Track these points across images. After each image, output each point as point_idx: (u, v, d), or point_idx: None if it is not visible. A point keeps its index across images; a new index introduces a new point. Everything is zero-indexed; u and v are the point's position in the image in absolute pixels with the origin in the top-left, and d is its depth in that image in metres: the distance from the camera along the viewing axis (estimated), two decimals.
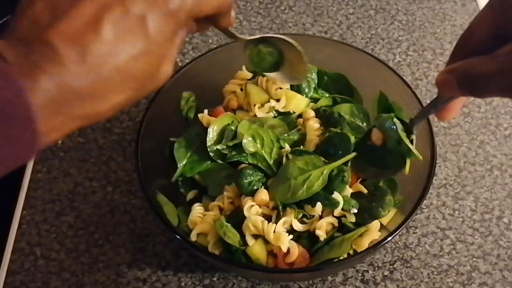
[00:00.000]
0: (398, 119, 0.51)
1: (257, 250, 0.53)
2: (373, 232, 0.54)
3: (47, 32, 0.32)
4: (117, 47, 0.33)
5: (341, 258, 0.52)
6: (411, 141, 0.50)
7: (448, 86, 0.39)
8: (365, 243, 0.53)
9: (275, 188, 0.54)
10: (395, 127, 0.51)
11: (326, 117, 0.60)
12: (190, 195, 0.59)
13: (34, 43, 0.32)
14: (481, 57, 0.37)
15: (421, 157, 0.51)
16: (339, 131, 0.58)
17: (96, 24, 0.33)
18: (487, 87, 0.36)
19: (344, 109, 0.61)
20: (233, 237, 0.53)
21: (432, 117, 0.70)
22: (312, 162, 0.54)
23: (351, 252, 0.53)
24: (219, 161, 0.58)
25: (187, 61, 0.75)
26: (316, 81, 0.65)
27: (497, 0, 0.36)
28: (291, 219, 0.53)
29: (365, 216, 0.54)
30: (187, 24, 0.38)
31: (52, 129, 0.33)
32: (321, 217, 0.55)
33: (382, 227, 0.55)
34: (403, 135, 0.50)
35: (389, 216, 0.55)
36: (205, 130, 0.58)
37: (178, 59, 0.79)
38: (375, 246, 0.51)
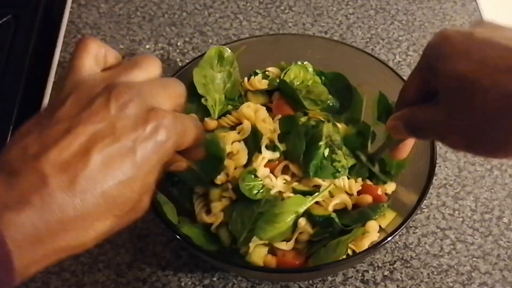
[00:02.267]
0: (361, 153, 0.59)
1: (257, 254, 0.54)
2: (372, 234, 0.54)
3: (37, 160, 0.33)
4: (105, 174, 0.34)
5: (341, 258, 0.52)
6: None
7: (397, 130, 0.46)
8: (364, 245, 0.53)
9: None
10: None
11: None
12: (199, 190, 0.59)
13: (23, 171, 0.33)
14: (420, 107, 0.44)
15: (385, 180, 0.60)
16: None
17: (86, 153, 0.33)
18: (427, 132, 0.43)
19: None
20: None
21: None
22: None
23: (350, 252, 0.53)
24: None
25: (187, 61, 0.75)
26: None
27: (423, 64, 0.43)
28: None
29: (359, 216, 0.54)
30: (171, 156, 0.38)
31: (33, 263, 0.33)
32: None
33: (381, 229, 0.55)
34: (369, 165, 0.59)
35: (388, 218, 0.55)
36: None
37: (178, 59, 0.79)
38: (375, 246, 0.51)
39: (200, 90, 0.63)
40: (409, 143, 0.53)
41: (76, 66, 0.38)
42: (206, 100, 0.63)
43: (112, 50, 0.41)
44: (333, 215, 0.54)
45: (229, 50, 0.64)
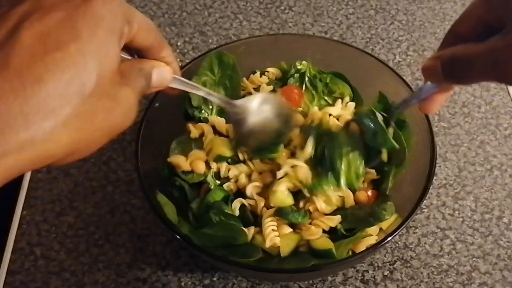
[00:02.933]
0: (378, 112, 0.54)
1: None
2: (370, 236, 0.54)
3: None
4: (44, 46, 0.30)
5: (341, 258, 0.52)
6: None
7: (433, 72, 0.40)
8: (362, 247, 0.53)
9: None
10: (370, 122, 0.54)
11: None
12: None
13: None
14: (467, 44, 0.37)
15: (397, 146, 0.54)
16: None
17: (13, 32, 0.30)
18: (470, 71, 0.36)
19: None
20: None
21: (432, 117, 0.71)
22: None
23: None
24: None
25: (187, 61, 0.75)
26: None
27: None
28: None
29: (370, 220, 0.54)
30: (124, 34, 0.35)
31: None
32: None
33: (381, 231, 0.55)
34: (380, 125, 0.53)
35: (389, 220, 0.55)
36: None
37: (178, 59, 0.79)
38: (375, 246, 0.51)
39: (195, 102, 0.63)
40: (442, 95, 0.46)
41: None
42: (200, 111, 0.64)
43: None
44: (331, 246, 0.53)
45: (229, 54, 0.64)
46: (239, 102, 0.52)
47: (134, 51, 0.39)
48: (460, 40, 0.40)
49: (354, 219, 0.55)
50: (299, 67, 0.66)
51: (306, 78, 0.65)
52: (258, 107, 0.53)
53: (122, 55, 0.36)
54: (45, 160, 0.31)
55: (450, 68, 0.38)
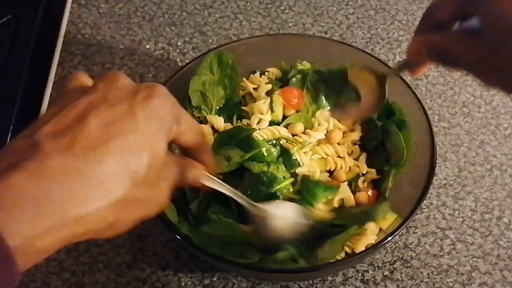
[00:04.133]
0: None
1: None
2: (368, 236, 0.54)
3: (30, 137, 0.32)
4: (107, 133, 0.33)
5: (341, 258, 0.52)
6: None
7: (419, 56, 0.44)
8: (361, 247, 0.53)
9: None
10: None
11: None
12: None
13: (16, 147, 0.32)
14: (452, 35, 0.42)
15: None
16: None
17: (81, 119, 0.33)
18: (456, 63, 0.41)
19: None
20: None
21: (432, 117, 0.71)
22: None
23: (348, 251, 0.54)
24: None
25: (187, 61, 0.75)
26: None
27: None
28: None
29: (361, 217, 0.54)
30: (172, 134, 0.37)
31: (35, 240, 0.30)
32: None
33: (381, 231, 0.55)
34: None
35: (389, 220, 0.55)
36: None
37: (178, 59, 0.79)
38: (375, 246, 0.51)
39: (195, 102, 0.63)
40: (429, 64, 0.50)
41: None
42: (199, 111, 0.64)
43: None
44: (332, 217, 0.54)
45: (228, 54, 0.64)
46: (263, 206, 0.52)
47: (180, 149, 0.42)
48: (436, 24, 0.44)
49: (346, 216, 0.55)
50: (301, 68, 0.66)
51: (308, 80, 0.65)
52: (282, 214, 0.53)
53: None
54: (89, 234, 0.33)
55: (436, 57, 0.43)
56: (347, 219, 0.54)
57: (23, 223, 0.29)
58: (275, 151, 0.59)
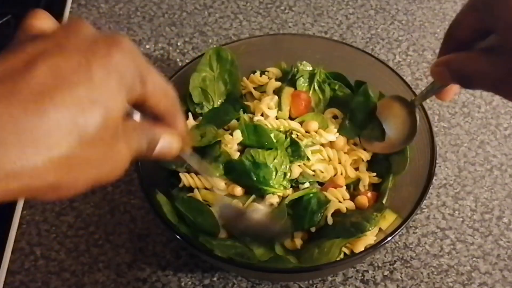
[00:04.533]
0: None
1: None
2: (368, 237, 0.54)
3: None
4: (55, 84, 0.29)
5: (341, 258, 0.52)
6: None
7: (442, 78, 0.43)
8: (361, 247, 0.53)
9: None
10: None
11: None
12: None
13: None
14: (473, 54, 0.40)
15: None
16: None
17: (28, 64, 0.30)
18: (479, 84, 0.40)
19: None
20: None
21: (432, 117, 0.71)
22: None
23: (347, 252, 0.54)
24: None
25: (187, 61, 0.75)
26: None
27: (479, 2, 0.40)
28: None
29: (351, 230, 0.53)
30: (135, 94, 0.33)
31: None
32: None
33: (381, 231, 0.55)
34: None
35: (389, 220, 0.55)
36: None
37: (178, 59, 0.79)
38: (375, 246, 0.50)
39: (196, 99, 0.63)
40: (455, 87, 0.49)
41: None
42: (201, 108, 0.64)
43: None
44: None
45: (227, 50, 0.64)
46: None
47: (150, 116, 0.37)
48: (459, 43, 0.42)
49: (340, 227, 0.55)
50: (309, 69, 0.65)
51: (315, 81, 0.65)
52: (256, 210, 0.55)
53: (136, 118, 0.36)
54: (28, 192, 0.30)
55: (459, 79, 0.41)
56: (339, 232, 0.54)
57: None
58: (283, 139, 0.60)
